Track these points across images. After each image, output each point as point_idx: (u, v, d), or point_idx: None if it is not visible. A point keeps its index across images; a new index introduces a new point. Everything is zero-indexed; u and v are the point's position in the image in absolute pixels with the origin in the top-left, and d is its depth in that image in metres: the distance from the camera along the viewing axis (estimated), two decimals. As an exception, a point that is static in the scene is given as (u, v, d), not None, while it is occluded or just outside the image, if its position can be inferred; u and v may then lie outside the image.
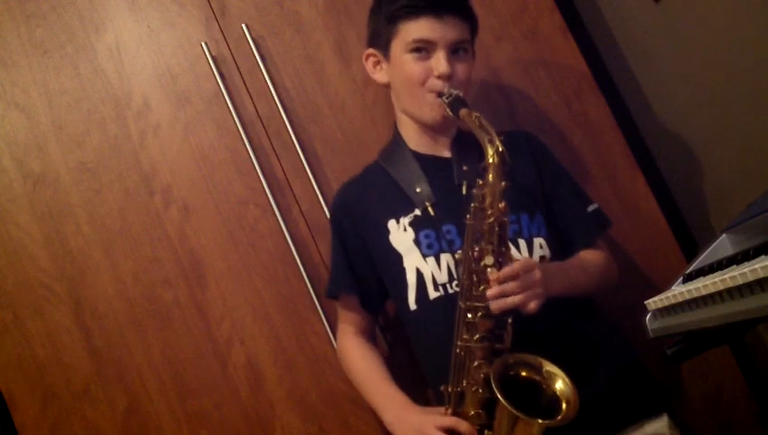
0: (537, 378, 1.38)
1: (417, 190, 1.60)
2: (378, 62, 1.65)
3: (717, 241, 1.32)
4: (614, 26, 2.04)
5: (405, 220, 1.60)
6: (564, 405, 1.34)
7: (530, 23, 1.91)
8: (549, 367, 1.38)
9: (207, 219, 1.85)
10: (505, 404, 1.32)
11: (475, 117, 1.43)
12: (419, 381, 1.66)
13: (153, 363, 1.81)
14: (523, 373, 1.39)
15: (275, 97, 1.85)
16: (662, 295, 1.25)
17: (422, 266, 1.56)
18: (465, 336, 1.43)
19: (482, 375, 1.40)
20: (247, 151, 1.84)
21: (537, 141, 1.71)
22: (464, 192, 1.54)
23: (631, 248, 1.85)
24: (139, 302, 1.83)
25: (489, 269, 1.37)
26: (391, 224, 1.61)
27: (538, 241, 1.57)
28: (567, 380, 1.36)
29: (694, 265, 1.30)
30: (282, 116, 1.85)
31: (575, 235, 1.64)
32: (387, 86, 1.68)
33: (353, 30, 1.88)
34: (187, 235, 1.85)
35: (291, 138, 1.84)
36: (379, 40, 1.63)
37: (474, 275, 1.41)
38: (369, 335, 1.71)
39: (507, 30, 1.91)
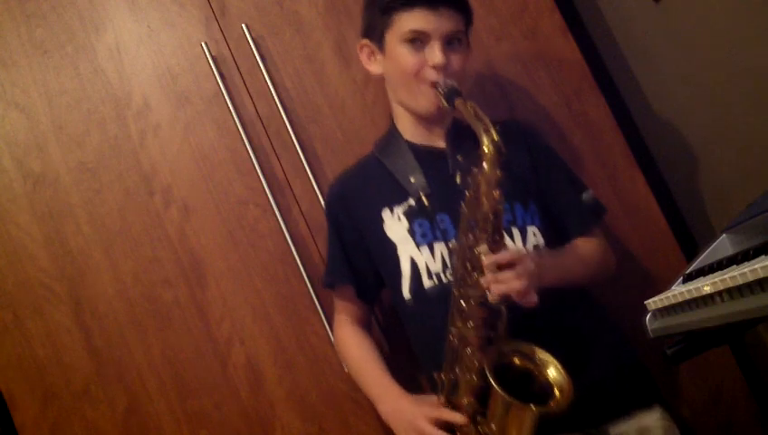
0: (530, 366, 1.39)
1: (412, 180, 1.60)
2: (372, 53, 1.65)
3: (717, 241, 1.32)
4: (614, 26, 2.04)
5: (399, 210, 1.60)
6: (558, 392, 1.35)
7: (530, 22, 1.91)
8: (542, 355, 1.38)
9: (207, 219, 1.85)
10: (498, 391, 1.32)
11: (470, 106, 1.43)
12: (414, 369, 1.67)
13: (153, 363, 1.81)
14: (517, 361, 1.39)
15: (275, 97, 1.85)
16: (662, 295, 1.25)
17: (416, 256, 1.57)
18: (458, 324, 1.43)
19: (475, 362, 1.40)
20: (247, 151, 1.84)
21: (531, 130, 1.71)
22: (458, 182, 1.53)
23: (631, 248, 1.85)
24: (139, 302, 1.83)
25: (482, 254, 1.37)
26: (386, 214, 1.61)
27: (531, 230, 1.57)
28: (560, 368, 1.36)
29: (694, 265, 1.30)
30: (282, 116, 1.85)
31: (569, 222, 1.64)
32: (381, 77, 1.68)
33: (353, 30, 1.88)
34: (187, 235, 1.85)
35: (291, 138, 1.84)
36: (374, 31, 1.63)
37: (468, 263, 1.41)
38: (365, 325, 1.72)
39: (507, 30, 1.91)
